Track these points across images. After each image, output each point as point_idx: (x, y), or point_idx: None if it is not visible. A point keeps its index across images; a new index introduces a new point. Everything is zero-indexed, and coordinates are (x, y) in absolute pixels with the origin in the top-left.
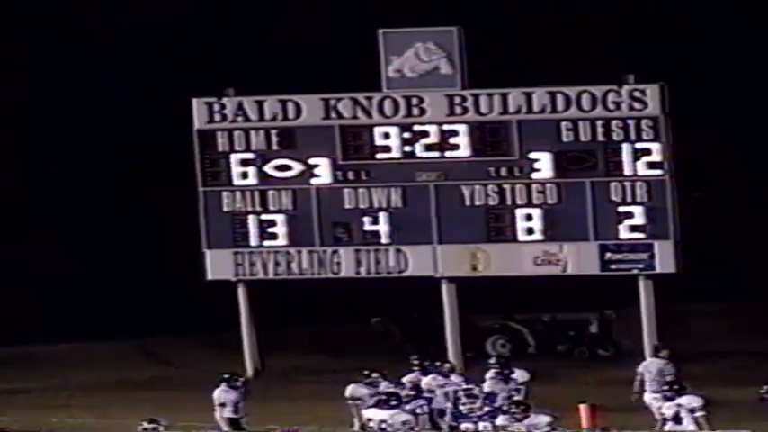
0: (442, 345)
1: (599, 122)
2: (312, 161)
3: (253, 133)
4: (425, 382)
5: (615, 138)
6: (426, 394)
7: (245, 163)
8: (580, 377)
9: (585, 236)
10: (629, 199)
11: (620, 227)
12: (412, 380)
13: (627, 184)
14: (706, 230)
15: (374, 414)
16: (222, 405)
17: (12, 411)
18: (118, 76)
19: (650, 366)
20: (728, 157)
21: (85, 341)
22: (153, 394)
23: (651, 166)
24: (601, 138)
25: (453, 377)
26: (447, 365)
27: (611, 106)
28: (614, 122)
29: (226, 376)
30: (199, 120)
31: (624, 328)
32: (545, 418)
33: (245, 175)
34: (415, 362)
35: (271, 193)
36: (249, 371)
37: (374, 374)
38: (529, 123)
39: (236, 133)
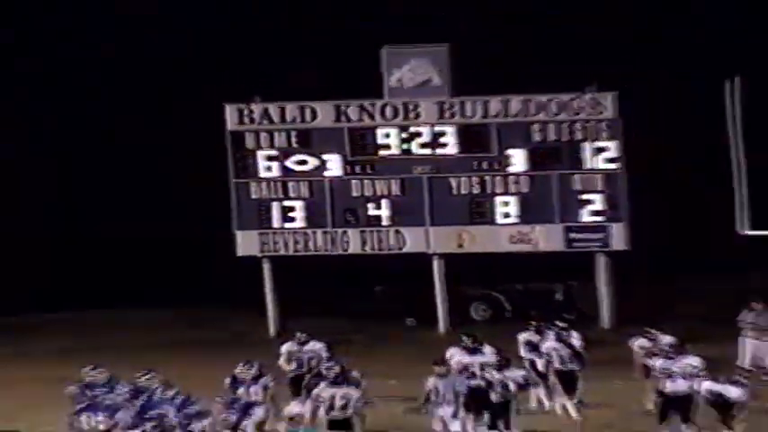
0: (433, 310)
1: (564, 125)
2: (325, 157)
3: (276, 134)
4: (546, 346)
5: (578, 137)
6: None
7: (269, 158)
8: None
9: (553, 219)
10: (589, 188)
11: (582, 211)
12: (526, 340)
13: (587, 176)
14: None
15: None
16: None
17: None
18: (159, 85)
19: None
20: (675, 154)
21: (130, 307)
22: (184, 353)
23: (608, 161)
24: (566, 137)
25: (574, 340)
26: (565, 332)
27: (575, 111)
28: (577, 124)
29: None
30: (231, 122)
31: (585, 297)
32: (521, 372)
33: (269, 169)
34: (533, 323)
35: (291, 183)
36: (272, 332)
37: (473, 342)
38: (506, 125)
39: (261, 134)
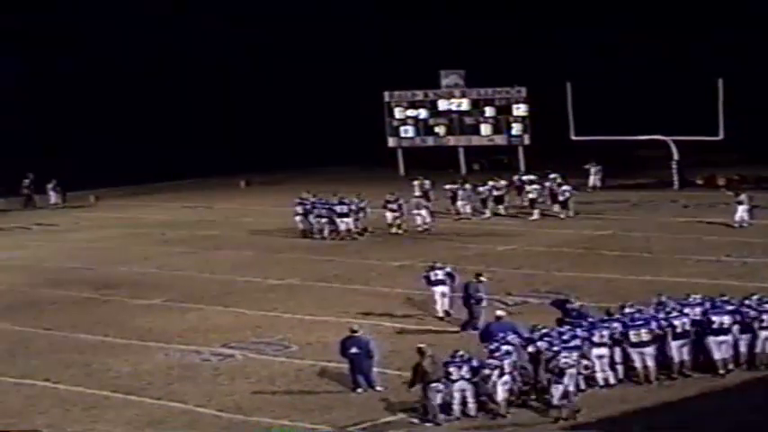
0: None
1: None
2: (421, 110)
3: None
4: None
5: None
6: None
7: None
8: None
9: (503, 132)
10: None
11: (512, 131)
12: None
13: (516, 118)
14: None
15: None
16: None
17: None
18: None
19: None
20: None
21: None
22: (361, 185)
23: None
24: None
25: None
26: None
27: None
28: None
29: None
30: (387, 98)
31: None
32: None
33: (399, 115)
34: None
35: (408, 120)
36: (401, 173)
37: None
38: (485, 99)
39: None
